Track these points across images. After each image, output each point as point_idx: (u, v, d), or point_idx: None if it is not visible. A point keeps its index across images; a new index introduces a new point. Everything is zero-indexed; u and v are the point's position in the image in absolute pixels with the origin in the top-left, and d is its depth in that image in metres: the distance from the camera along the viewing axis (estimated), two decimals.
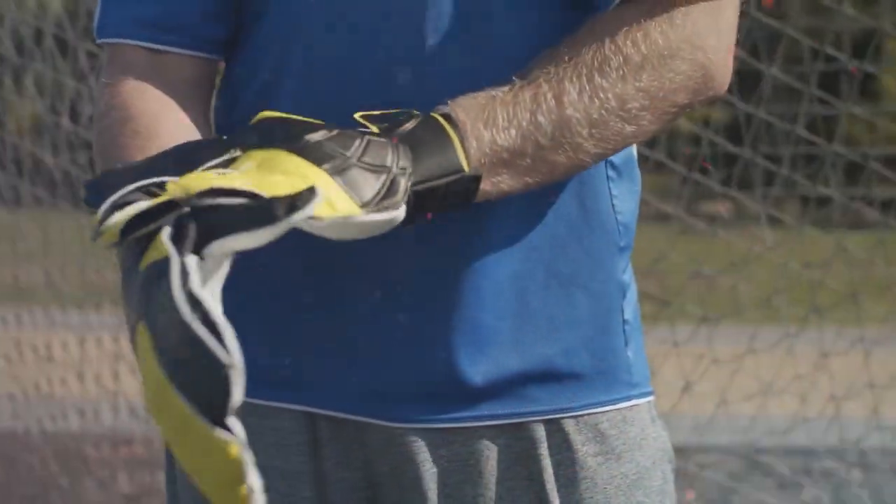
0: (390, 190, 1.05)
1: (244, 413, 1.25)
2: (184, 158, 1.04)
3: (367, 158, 1.06)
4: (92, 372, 4.43)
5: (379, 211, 1.04)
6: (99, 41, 1.25)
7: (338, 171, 1.04)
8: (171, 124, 1.17)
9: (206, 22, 1.22)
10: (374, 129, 1.09)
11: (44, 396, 4.50)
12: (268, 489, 1.25)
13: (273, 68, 1.22)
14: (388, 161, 1.06)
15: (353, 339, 1.21)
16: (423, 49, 1.18)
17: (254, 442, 1.25)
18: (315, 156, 1.04)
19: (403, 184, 1.06)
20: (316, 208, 0.97)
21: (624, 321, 1.26)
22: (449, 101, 1.13)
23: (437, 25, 1.18)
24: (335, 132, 1.06)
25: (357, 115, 1.11)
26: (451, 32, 1.18)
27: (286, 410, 1.24)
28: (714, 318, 4.06)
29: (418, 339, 1.20)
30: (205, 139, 1.08)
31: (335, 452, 1.24)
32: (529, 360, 1.22)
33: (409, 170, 1.07)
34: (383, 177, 1.05)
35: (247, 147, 1.05)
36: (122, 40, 1.22)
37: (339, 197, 1.03)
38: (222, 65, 1.27)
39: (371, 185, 1.05)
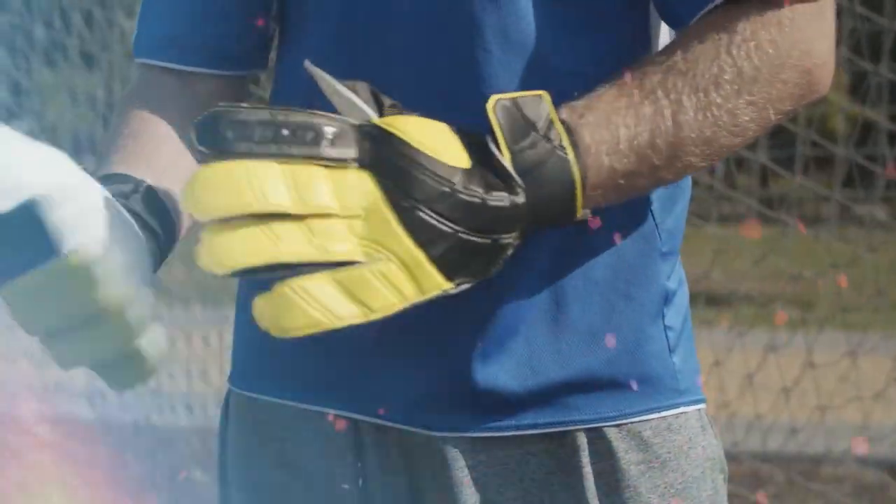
0: (488, 260, 1.04)
1: (292, 417, 1.27)
2: (303, 127, 1.00)
3: (474, 223, 1.03)
4: (198, 368, 4.49)
5: (465, 283, 1.04)
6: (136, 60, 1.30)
7: (439, 251, 1.02)
8: (149, 133, 1.20)
9: (230, 42, 1.25)
10: (507, 154, 1.06)
11: (152, 391, 4.57)
12: (314, 492, 1.26)
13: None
14: (498, 229, 1.04)
15: (393, 349, 1.21)
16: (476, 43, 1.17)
17: (301, 446, 1.28)
18: (421, 237, 1.02)
19: (502, 251, 1.05)
20: (398, 301, 1.01)
21: (666, 327, 1.24)
22: (575, 117, 1.09)
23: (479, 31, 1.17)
24: (459, 185, 1.03)
25: (490, 103, 1.07)
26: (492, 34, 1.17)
27: (333, 416, 1.25)
28: (814, 320, 3.99)
29: (455, 349, 1.20)
30: (339, 121, 1.01)
31: (378, 457, 1.25)
32: (569, 368, 1.21)
33: (517, 235, 1.05)
34: (486, 244, 1.04)
35: (364, 164, 1.01)
36: (149, 60, 1.27)
37: (429, 279, 1.02)
38: (251, 79, 1.30)
39: (468, 260, 1.04)
